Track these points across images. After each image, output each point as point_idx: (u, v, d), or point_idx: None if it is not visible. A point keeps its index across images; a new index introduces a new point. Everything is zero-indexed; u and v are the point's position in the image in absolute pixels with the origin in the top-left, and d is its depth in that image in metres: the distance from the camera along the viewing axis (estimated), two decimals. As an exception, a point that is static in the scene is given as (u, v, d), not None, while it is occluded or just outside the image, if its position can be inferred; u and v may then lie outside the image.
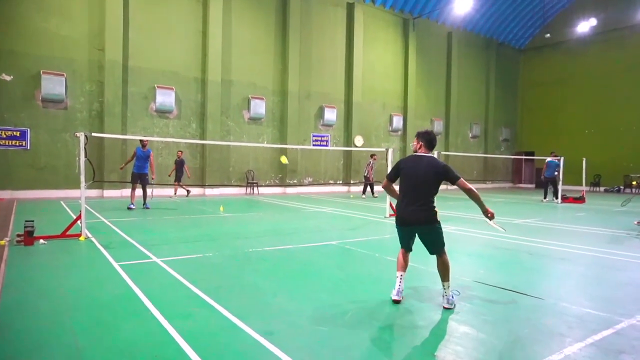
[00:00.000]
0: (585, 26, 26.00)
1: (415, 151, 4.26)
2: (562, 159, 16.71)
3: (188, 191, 16.30)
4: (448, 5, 23.45)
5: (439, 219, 4.09)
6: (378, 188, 17.56)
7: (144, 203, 11.83)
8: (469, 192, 4.00)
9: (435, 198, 4.11)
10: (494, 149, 29.35)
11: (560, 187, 16.51)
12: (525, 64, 30.75)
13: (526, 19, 28.51)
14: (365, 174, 17.92)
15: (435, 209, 4.07)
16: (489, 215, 4.07)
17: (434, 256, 4.23)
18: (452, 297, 4.11)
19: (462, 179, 3.98)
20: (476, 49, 28.00)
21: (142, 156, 11.52)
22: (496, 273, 5.45)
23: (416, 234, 4.18)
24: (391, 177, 4.30)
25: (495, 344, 3.29)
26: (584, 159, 18.07)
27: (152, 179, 12.00)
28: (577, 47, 27.35)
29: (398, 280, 4.17)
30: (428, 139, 4.19)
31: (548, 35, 27.99)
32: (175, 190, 16.27)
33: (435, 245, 4.15)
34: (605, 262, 6.30)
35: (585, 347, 3.22)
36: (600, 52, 26.33)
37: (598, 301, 4.40)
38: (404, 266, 4.19)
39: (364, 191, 18.26)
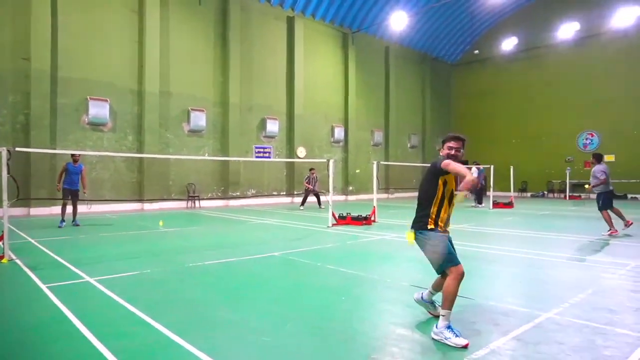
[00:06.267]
0: (508, 44, 28.21)
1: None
2: (489, 167, 17.98)
3: None
4: (385, 21, 24.40)
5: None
6: (324, 198, 17.40)
7: (74, 220, 11.24)
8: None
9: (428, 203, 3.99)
10: (431, 159, 30.60)
11: (491, 193, 17.65)
12: (457, 77, 32.58)
13: (457, 36, 30.26)
14: (311, 187, 17.59)
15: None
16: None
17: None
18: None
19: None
20: (412, 63, 29.28)
21: (74, 171, 11.15)
22: (428, 276, 5.70)
23: None
24: None
25: (428, 343, 3.47)
26: (512, 166, 19.39)
27: (84, 193, 11.42)
28: (503, 62, 29.40)
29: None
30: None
31: (477, 51, 30.06)
32: None
33: None
34: (531, 262, 6.80)
35: (509, 341, 3.49)
36: (522, 67, 28.51)
37: (522, 298, 4.77)
38: None
39: (303, 202, 17.96)
